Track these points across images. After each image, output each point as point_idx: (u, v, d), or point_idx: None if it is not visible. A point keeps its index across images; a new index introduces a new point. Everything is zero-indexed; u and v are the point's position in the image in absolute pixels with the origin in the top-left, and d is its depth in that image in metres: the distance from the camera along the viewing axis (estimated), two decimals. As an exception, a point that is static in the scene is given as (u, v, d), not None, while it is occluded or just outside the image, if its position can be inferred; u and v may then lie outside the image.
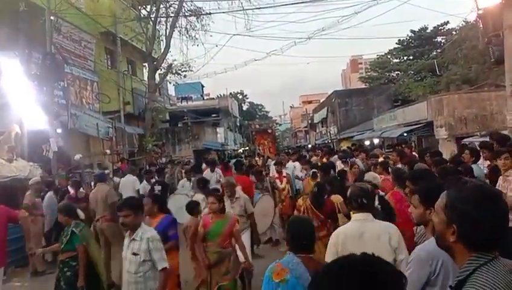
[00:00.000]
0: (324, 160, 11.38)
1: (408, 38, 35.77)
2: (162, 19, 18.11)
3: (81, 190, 8.78)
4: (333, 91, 34.68)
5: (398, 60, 37.83)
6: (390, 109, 24.26)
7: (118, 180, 10.82)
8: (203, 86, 36.43)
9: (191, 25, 18.80)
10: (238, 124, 41.25)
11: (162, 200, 5.12)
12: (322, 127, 38.61)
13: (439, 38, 35.18)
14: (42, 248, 7.80)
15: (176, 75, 20.98)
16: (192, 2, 18.50)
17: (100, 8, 15.58)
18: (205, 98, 37.06)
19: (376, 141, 22.33)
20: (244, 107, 57.17)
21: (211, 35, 29.25)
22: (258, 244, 6.03)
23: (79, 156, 11.68)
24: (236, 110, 39.17)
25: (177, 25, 18.28)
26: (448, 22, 33.84)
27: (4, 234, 5.13)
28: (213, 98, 37.71)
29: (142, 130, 18.15)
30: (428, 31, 35.14)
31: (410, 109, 18.76)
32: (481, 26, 10.64)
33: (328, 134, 33.24)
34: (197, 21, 18.77)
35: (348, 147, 17.49)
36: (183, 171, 11.93)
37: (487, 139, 7.80)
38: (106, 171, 11.07)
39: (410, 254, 2.48)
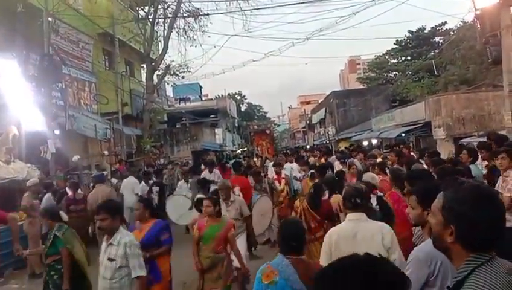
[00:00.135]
0: (322, 160, 11.38)
1: (406, 38, 35.82)
2: (160, 20, 18.14)
3: (79, 191, 8.77)
4: (331, 92, 34.71)
5: (396, 61, 37.87)
6: (388, 110, 24.29)
7: (116, 181, 10.81)
8: (201, 87, 36.42)
9: (189, 26, 18.84)
10: (236, 125, 41.25)
11: (153, 204, 5.09)
12: (320, 127, 38.63)
13: (437, 39, 35.23)
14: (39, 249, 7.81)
15: (174, 76, 21.02)
16: (190, 2, 18.54)
17: (98, 9, 15.58)
18: (203, 99, 37.05)
19: (374, 141, 22.35)
20: (243, 108, 57.14)
21: (209, 36, 29.29)
22: (254, 246, 5.90)
23: (77, 157, 11.66)
24: (234, 111, 39.17)
25: (175, 26, 18.31)
26: (446, 22, 33.98)
27: None
28: (211, 99, 37.69)
29: (140, 131, 18.13)
30: (426, 31, 35.19)
31: (408, 109, 18.80)
32: (479, 26, 10.67)
33: (326, 134, 33.26)
34: (195, 22, 18.81)
35: (346, 148, 17.50)
36: (181, 172, 11.92)
37: (485, 139, 7.81)
38: (104, 173, 11.06)
39: (408, 255, 2.47)
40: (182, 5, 17.91)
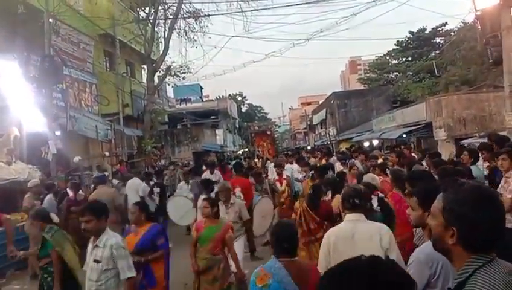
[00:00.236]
0: (323, 161, 11.37)
1: (407, 39, 35.84)
2: (160, 20, 18.13)
3: (80, 192, 8.77)
4: (332, 92, 34.74)
5: (396, 61, 37.90)
6: (389, 110, 24.30)
7: (117, 182, 10.81)
8: (202, 88, 36.44)
9: (189, 27, 18.83)
10: (237, 126, 41.26)
11: (149, 208, 4.93)
12: (321, 128, 38.63)
13: (437, 40, 35.26)
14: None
15: (175, 77, 21.02)
16: (190, 4, 18.55)
17: (98, 10, 15.60)
18: (204, 99, 37.09)
19: (375, 142, 22.35)
20: (243, 109, 57.14)
21: (210, 37, 29.21)
22: (252, 251, 5.73)
23: (78, 158, 11.67)
24: (235, 112, 39.18)
25: (176, 27, 18.30)
26: (446, 23, 33.98)
27: None
28: (212, 100, 37.73)
29: (141, 132, 18.14)
30: (426, 32, 35.21)
31: (409, 110, 18.80)
32: (479, 27, 10.67)
33: (327, 135, 33.25)
34: (196, 23, 18.81)
35: (346, 149, 17.50)
36: (182, 173, 11.91)
37: (486, 140, 7.81)
38: (105, 174, 11.07)
39: (410, 256, 2.47)
40: (183, 6, 17.93)
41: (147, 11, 19.08)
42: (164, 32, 18.08)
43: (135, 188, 9.81)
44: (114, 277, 3.54)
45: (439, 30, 34.64)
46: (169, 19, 17.98)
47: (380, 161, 8.86)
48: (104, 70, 17.20)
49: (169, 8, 18.36)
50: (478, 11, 9.51)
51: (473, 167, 5.78)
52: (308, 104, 64.26)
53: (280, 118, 72.57)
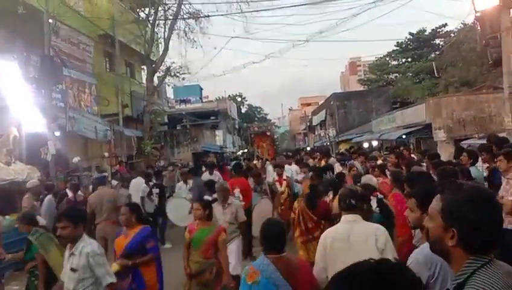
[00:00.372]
0: (323, 162, 11.37)
1: (406, 40, 35.87)
2: (160, 21, 18.18)
3: (79, 193, 8.76)
4: (332, 93, 34.73)
5: (396, 62, 37.92)
6: (389, 111, 24.33)
7: (116, 183, 10.81)
8: (201, 89, 36.45)
9: (189, 28, 18.87)
10: (236, 127, 41.25)
11: (139, 210, 4.74)
12: (321, 129, 38.64)
13: (437, 41, 35.28)
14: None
15: (175, 77, 21.02)
16: (190, 4, 18.58)
17: (98, 10, 15.61)
18: (204, 100, 37.06)
19: (375, 143, 22.35)
20: (243, 110, 57.13)
21: (210, 38, 29.26)
22: (247, 255, 5.62)
23: (77, 159, 11.66)
24: (235, 113, 39.17)
25: (176, 28, 18.34)
26: (446, 24, 34.01)
27: None
28: (212, 101, 37.70)
29: (140, 133, 18.14)
30: (426, 33, 35.24)
31: (408, 111, 18.81)
32: (479, 28, 10.68)
33: (327, 136, 33.26)
34: (196, 24, 18.84)
35: (346, 150, 17.49)
36: (180, 174, 11.91)
37: (485, 141, 7.81)
38: (105, 174, 11.07)
39: (408, 257, 2.46)
40: (183, 6, 17.96)
41: (146, 12, 19.11)
42: (164, 33, 18.14)
43: (138, 188, 9.88)
44: (91, 285, 3.45)
45: (439, 31, 34.67)
46: (169, 19, 18.01)
47: (379, 161, 8.86)
48: (103, 71, 17.22)
49: (169, 8, 18.42)
50: (478, 12, 9.53)
51: (472, 168, 5.77)
52: (308, 105, 64.16)
53: (280, 118, 72.58)
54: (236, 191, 7.33)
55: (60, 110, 12.24)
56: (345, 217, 3.26)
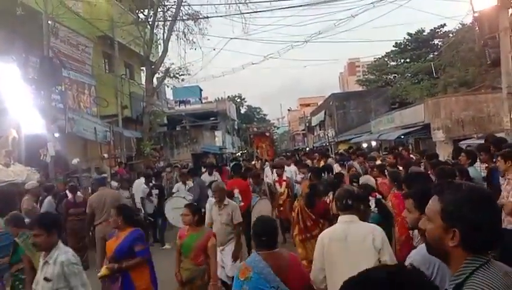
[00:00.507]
0: (322, 163, 11.39)
1: (405, 41, 35.90)
2: (159, 22, 18.15)
3: (79, 194, 8.77)
4: (331, 94, 34.73)
5: (395, 63, 37.95)
6: (388, 112, 24.33)
7: (116, 184, 10.82)
8: (201, 90, 36.43)
9: (188, 29, 18.86)
10: (236, 128, 41.24)
11: (129, 211, 4.58)
12: (320, 130, 38.64)
13: (436, 41, 35.32)
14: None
15: (174, 78, 21.03)
16: (189, 6, 18.58)
17: (98, 12, 15.59)
18: (203, 101, 37.05)
19: (373, 143, 22.37)
20: (242, 111, 57.13)
21: (209, 39, 29.26)
22: (235, 259, 5.43)
23: (76, 160, 11.66)
24: (234, 114, 39.16)
25: (175, 29, 18.33)
26: (445, 24, 34.02)
27: None
28: (211, 102, 37.68)
29: (140, 134, 18.13)
30: (425, 33, 35.28)
31: (407, 111, 18.83)
32: (477, 28, 10.70)
33: (326, 137, 33.27)
34: (195, 25, 18.83)
35: (345, 150, 17.51)
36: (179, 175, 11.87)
37: (484, 141, 7.83)
38: (105, 175, 11.07)
39: (406, 258, 2.47)
40: (182, 8, 17.95)
41: (146, 13, 19.11)
42: (163, 34, 18.10)
43: (140, 189, 9.95)
44: None
45: (438, 31, 34.71)
46: (169, 21, 18.00)
47: (378, 162, 8.89)
48: (103, 72, 17.21)
49: (168, 10, 18.41)
50: (476, 13, 9.55)
51: (470, 169, 5.79)
52: (307, 105, 64.14)
53: (279, 119, 72.62)
54: (236, 191, 7.33)
55: (59, 111, 12.23)
56: (342, 218, 3.28)
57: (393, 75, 37.09)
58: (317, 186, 5.54)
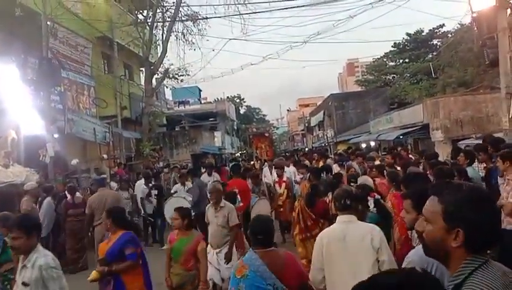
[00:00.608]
0: (321, 163, 11.40)
1: (404, 41, 35.91)
2: (158, 23, 18.15)
3: (77, 195, 8.77)
4: (330, 94, 34.73)
5: (394, 63, 37.96)
6: (387, 112, 24.35)
7: (115, 185, 10.83)
8: (200, 90, 36.42)
9: (187, 30, 18.87)
10: (235, 128, 41.23)
11: (119, 214, 4.47)
12: (319, 130, 38.65)
13: (434, 41, 35.34)
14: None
15: (173, 79, 21.01)
16: (188, 6, 18.59)
17: (96, 13, 15.60)
18: (202, 102, 37.04)
19: (372, 143, 22.39)
20: (242, 111, 57.10)
21: (208, 40, 29.31)
22: (228, 260, 5.33)
23: (76, 161, 11.66)
24: (233, 114, 39.16)
25: (174, 30, 18.33)
26: (443, 24, 34.03)
27: None
28: (210, 102, 37.67)
29: (139, 135, 18.13)
30: (423, 34, 35.29)
31: (406, 111, 18.85)
32: (476, 29, 10.71)
33: (325, 137, 33.29)
34: (194, 25, 18.84)
35: (344, 150, 17.52)
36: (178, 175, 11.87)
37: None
38: (104, 176, 11.07)
39: (404, 258, 2.48)
40: (181, 8, 17.96)
41: (145, 14, 19.11)
42: (162, 35, 18.11)
43: (141, 189, 9.99)
44: None
45: (436, 32, 34.73)
46: (168, 21, 18.00)
47: (377, 162, 8.90)
48: (102, 73, 17.20)
49: (167, 10, 18.42)
50: (474, 13, 9.55)
51: (468, 169, 5.80)
52: (306, 106, 64.11)
53: (278, 119, 72.67)
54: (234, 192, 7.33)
55: (59, 112, 12.23)
56: (341, 218, 3.30)
57: (392, 75, 37.10)
58: (318, 186, 5.57)
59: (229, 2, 18.03)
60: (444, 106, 15.57)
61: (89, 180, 11.63)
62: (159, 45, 19.03)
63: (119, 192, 9.40)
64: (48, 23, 12.10)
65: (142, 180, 10.45)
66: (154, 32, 18.08)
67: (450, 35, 30.42)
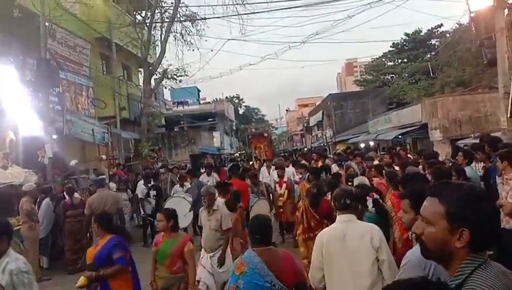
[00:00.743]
0: (320, 163, 11.41)
1: (402, 41, 35.95)
2: (157, 24, 18.15)
3: (76, 195, 8.76)
4: (328, 94, 34.75)
5: (392, 63, 38.00)
6: (385, 112, 24.40)
7: (114, 185, 10.82)
8: (199, 91, 36.42)
9: (186, 30, 18.88)
10: (234, 128, 41.26)
11: (106, 219, 4.40)
12: (318, 130, 38.68)
13: (433, 41, 35.38)
14: (38, 254, 7.80)
15: (172, 80, 21.02)
16: (187, 7, 18.59)
17: (95, 13, 15.58)
18: (201, 102, 37.05)
19: (371, 143, 22.42)
20: (240, 111, 57.12)
21: (206, 40, 29.33)
22: (221, 264, 5.23)
23: (74, 162, 11.64)
24: (232, 114, 39.17)
25: (172, 30, 18.32)
26: (442, 24, 34.09)
27: None
28: (209, 103, 37.69)
29: (138, 135, 18.12)
30: (422, 34, 35.34)
31: (404, 111, 18.89)
32: (473, 28, 10.73)
33: (324, 137, 33.31)
34: (192, 26, 18.84)
35: (343, 150, 17.54)
36: (177, 176, 11.85)
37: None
38: (103, 177, 11.07)
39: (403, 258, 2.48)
40: (179, 9, 17.95)
41: (143, 15, 19.10)
42: (161, 36, 18.11)
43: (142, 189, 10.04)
44: None
45: (435, 32, 34.78)
46: (166, 22, 17.99)
47: (375, 162, 8.91)
48: (100, 74, 17.18)
49: (165, 11, 18.41)
50: (472, 13, 9.57)
51: (467, 168, 5.81)
52: (305, 106, 64.12)
53: (277, 119, 72.65)
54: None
55: (57, 113, 12.22)
56: (340, 217, 3.32)
57: (391, 75, 37.15)
58: (322, 187, 5.59)
59: (227, 2, 18.10)
60: (442, 106, 15.61)
61: (87, 181, 11.62)
62: (157, 45, 19.03)
63: (118, 193, 9.41)
64: (46, 24, 12.09)
65: (143, 181, 10.50)
66: (152, 32, 18.07)
67: (448, 35, 30.45)
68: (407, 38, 35.72)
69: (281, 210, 8.85)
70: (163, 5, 18.37)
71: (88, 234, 8.00)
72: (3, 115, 10.09)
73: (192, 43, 19.06)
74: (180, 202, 8.57)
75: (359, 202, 3.48)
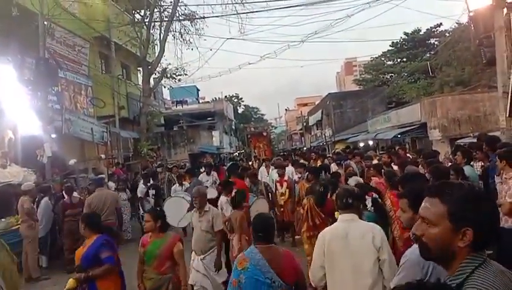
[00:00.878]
0: (319, 163, 11.40)
1: (401, 40, 35.95)
2: (156, 23, 18.14)
3: (75, 194, 8.75)
4: (328, 94, 34.74)
5: (391, 62, 38.00)
6: (384, 111, 24.41)
7: (113, 185, 10.81)
8: (198, 90, 36.42)
9: (185, 29, 18.89)
10: (233, 127, 41.25)
11: (93, 218, 4.35)
12: (317, 129, 38.67)
13: (432, 40, 35.38)
14: (37, 253, 7.80)
15: (171, 79, 21.03)
16: (186, 6, 18.59)
17: (94, 12, 15.57)
18: (200, 101, 37.04)
19: (370, 143, 22.43)
20: (240, 110, 57.08)
21: (205, 39, 29.34)
22: (217, 269, 5.16)
23: (73, 161, 11.64)
24: (231, 114, 39.17)
25: (171, 29, 18.34)
26: (441, 24, 34.08)
27: None
28: (208, 102, 37.66)
29: (137, 135, 18.13)
30: (421, 33, 35.33)
31: (404, 110, 18.89)
32: (473, 28, 10.73)
33: (323, 136, 33.30)
34: (191, 25, 18.84)
35: (342, 150, 17.54)
36: (175, 176, 11.84)
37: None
38: (102, 176, 11.06)
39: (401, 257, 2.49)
40: (178, 8, 17.95)
41: (142, 14, 19.10)
42: (160, 35, 18.14)
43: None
44: None
45: (434, 31, 34.77)
46: (165, 21, 18.00)
47: (374, 161, 8.91)
48: (99, 73, 17.18)
49: (164, 10, 18.42)
50: (471, 12, 9.57)
51: (466, 167, 5.81)
52: (304, 105, 64.11)
53: (276, 119, 72.59)
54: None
55: (56, 112, 12.21)
56: (342, 216, 3.34)
57: (390, 74, 37.14)
58: (328, 186, 5.61)
59: (226, 1, 18.08)
60: (441, 105, 15.63)
61: (86, 180, 11.61)
62: (156, 44, 19.03)
63: (117, 193, 9.41)
64: (45, 23, 12.08)
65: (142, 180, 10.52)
66: (151, 31, 18.08)
67: (447, 35, 30.45)
68: (406, 37, 35.72)
69: (282, 209, 8.83)
70: (162, 4, 18.40)
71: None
72: (2, 114, 10.08)
73: (191, 42, 19.10)
74: (179, 202, 8.55)
75: (361, 201, 3.50)
